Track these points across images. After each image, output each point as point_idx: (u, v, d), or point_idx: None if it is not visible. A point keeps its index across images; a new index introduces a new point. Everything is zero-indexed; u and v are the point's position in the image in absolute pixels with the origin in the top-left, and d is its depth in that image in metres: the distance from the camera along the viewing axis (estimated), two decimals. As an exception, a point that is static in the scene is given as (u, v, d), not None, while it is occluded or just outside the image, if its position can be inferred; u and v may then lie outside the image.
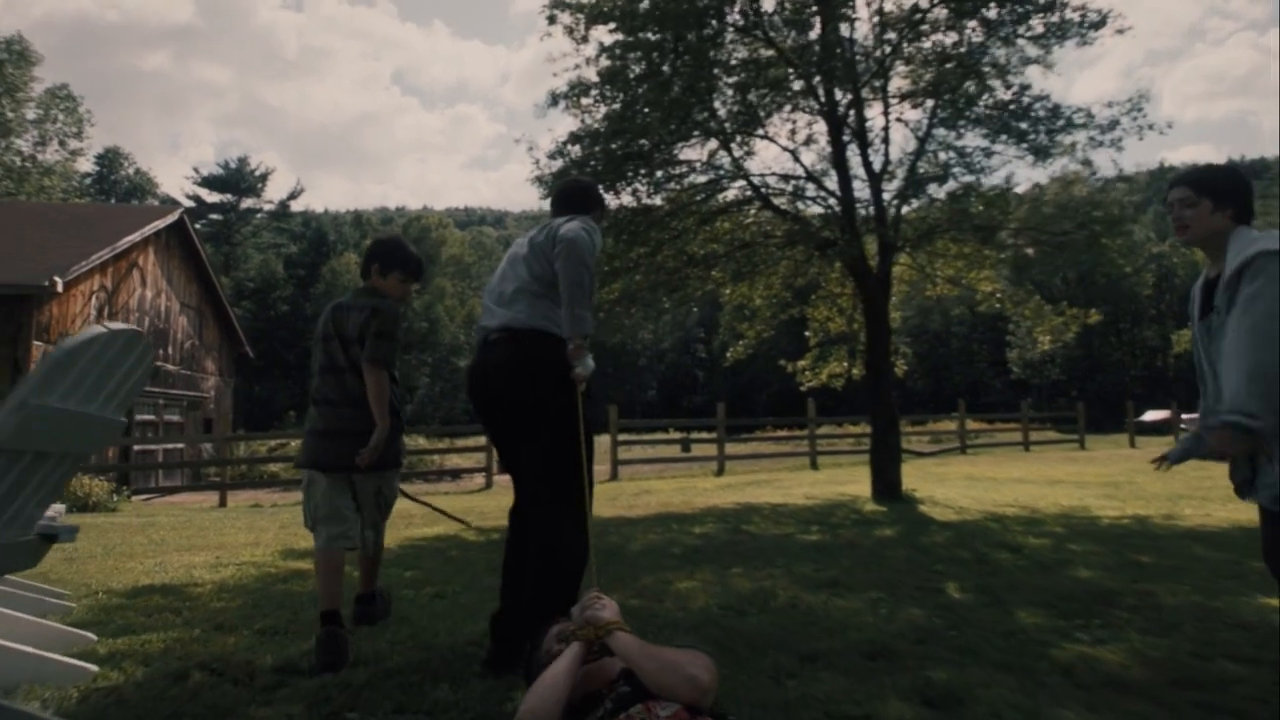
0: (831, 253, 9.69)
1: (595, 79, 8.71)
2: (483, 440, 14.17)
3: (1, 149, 35.12)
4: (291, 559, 5.04)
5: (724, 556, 4.89)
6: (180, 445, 17.93)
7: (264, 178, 63.82)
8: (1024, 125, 7.78)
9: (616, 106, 8.24)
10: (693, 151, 9.12)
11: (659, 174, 8.53)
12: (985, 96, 8.05)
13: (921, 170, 8.55)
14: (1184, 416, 25.04)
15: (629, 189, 8.93)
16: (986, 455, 20.09)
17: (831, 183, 8.96)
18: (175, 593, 4.00)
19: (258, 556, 5.18)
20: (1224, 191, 2.16)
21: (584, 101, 9.04)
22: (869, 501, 8.17)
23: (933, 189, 8.47)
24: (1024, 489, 9.52)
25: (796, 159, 8.60)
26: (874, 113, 9.23)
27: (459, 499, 11.18)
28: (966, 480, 10.97)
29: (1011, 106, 7.92)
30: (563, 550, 2.41)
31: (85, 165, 48.18)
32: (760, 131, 8.58)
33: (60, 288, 12.72)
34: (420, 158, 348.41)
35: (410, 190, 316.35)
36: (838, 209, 8.28)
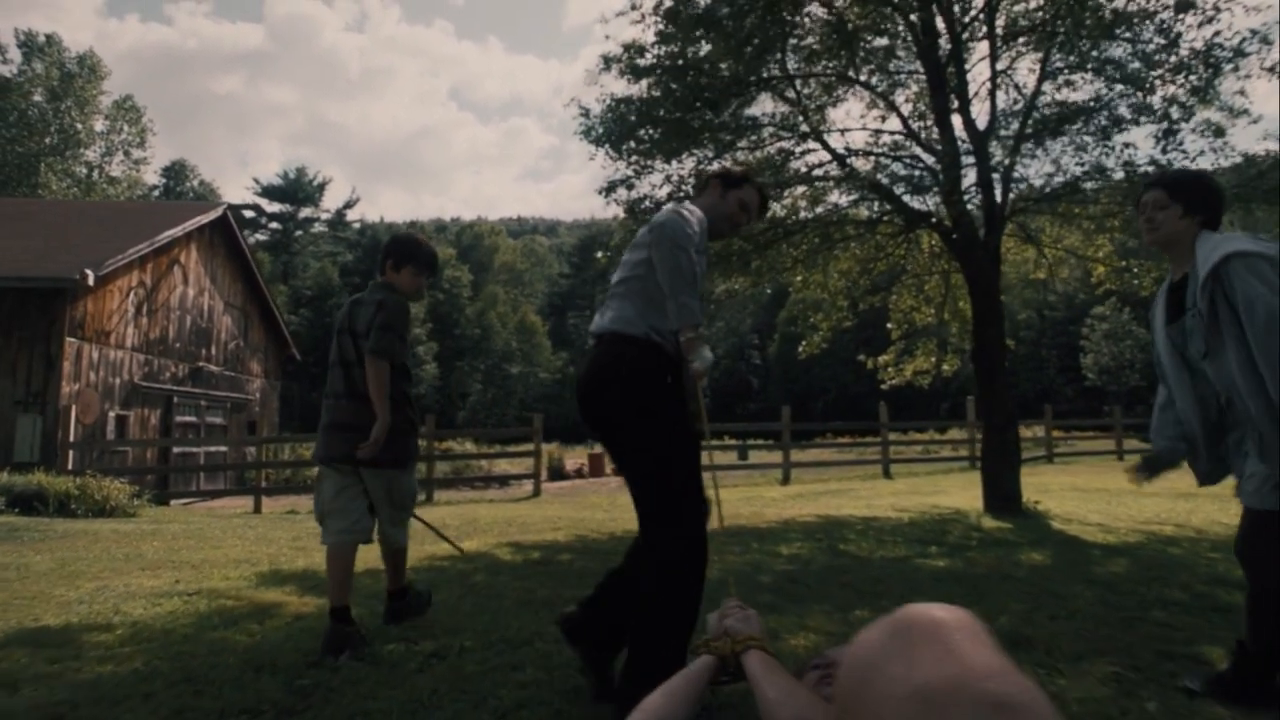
0: (924, 228, 8.38)
1: (653, 38, 7.61)
2: (531, 446, 13.21)
3: (70, 160, 35.95)
4: (266, 587, 3.99)
5: (833, 590, 3.67)
6: (224, 448, 17.41)
7: (321, 187, 64.81)
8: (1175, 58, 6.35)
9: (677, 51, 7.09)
10: (764, 108, 7.93)
11: (726, 136, 7.34)
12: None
13: (1036, 120, 7.17)
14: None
15: (691, 156, 7.79)
16: (1077, 465, 18.22)
17: (919, 148, 7.67)
18: (66, 642, 2.97)
19: (228, 582, 4.15)
20: (1196, 198, 2.20)
21: (640, 63, 7.93)
22: (983, 515, 6.82)
23: (1050, 147, 7.06)
24: (1155, 503, 8.00)
25: (891, 106, 7.28)
26: (976, 59, 7.83)
27: (504, 507, 10.25)
28: (1076, 493, 9.44)
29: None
30: (667, 576, 2.06)
31: (152, 178, 49.61)
32: (850, 74, 7.30)
33: (92, 281, 12.19)
34: (475, 170, 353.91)
35: (465, 202, 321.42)
36: (937, 168, 6.94)
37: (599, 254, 9.55)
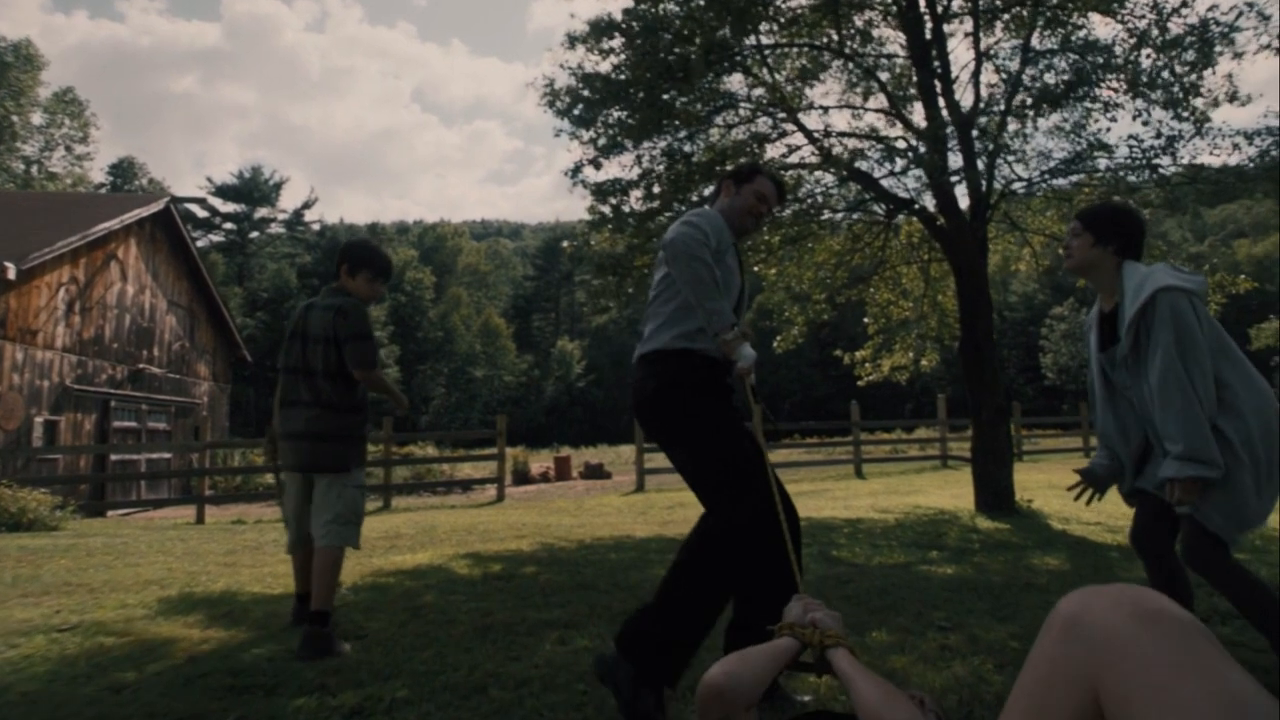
0: (907, 214, 8.01)
1: (621, 16, 7.09)
2: (494, 450, 12.60)
3: (4, 154, 34.22)
4: (166, 616, 3.35)
5: (837, 604, 3.19)
6: (168, 455, 16.43)
7: (278, 187, 62.98)
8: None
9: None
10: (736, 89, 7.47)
11: (701, 109, 6.86)
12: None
13: (1019, 104, 6.82)
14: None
15: (663, 138, 7.30)
16: (1045, 462, 18.16)
17: (903, 126, 7.28)
18: None
19: (121, 611, 3.49)
20: (1108, 229, 2.34)
21: (608, 44, 7.43)
22: (976, 515, 6.43)
23: (1042, 121, 6.72)
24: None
25: (873, 76, 6.87)
26: (958, 41, 7.47)
27: (465, 514, 9.66)
28: (1054, 490, 9.15)
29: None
30: (731, 547, 2.05)
31: (98, 175, 47.61)
32: (835, 46, 6.87)
33: (14, 275, 11.26)
34: (439, 173, 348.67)
35: (429, 205, 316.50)
36: (922, 148, 6.55)
37: (565, 243, 9.02)
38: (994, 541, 5.03)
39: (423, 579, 4.18)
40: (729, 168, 2.62)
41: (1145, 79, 6.26)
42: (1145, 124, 6.26)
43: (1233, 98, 6.53)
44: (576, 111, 6.73)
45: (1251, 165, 5.97)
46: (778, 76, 7.78)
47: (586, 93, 6.64)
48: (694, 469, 2.18)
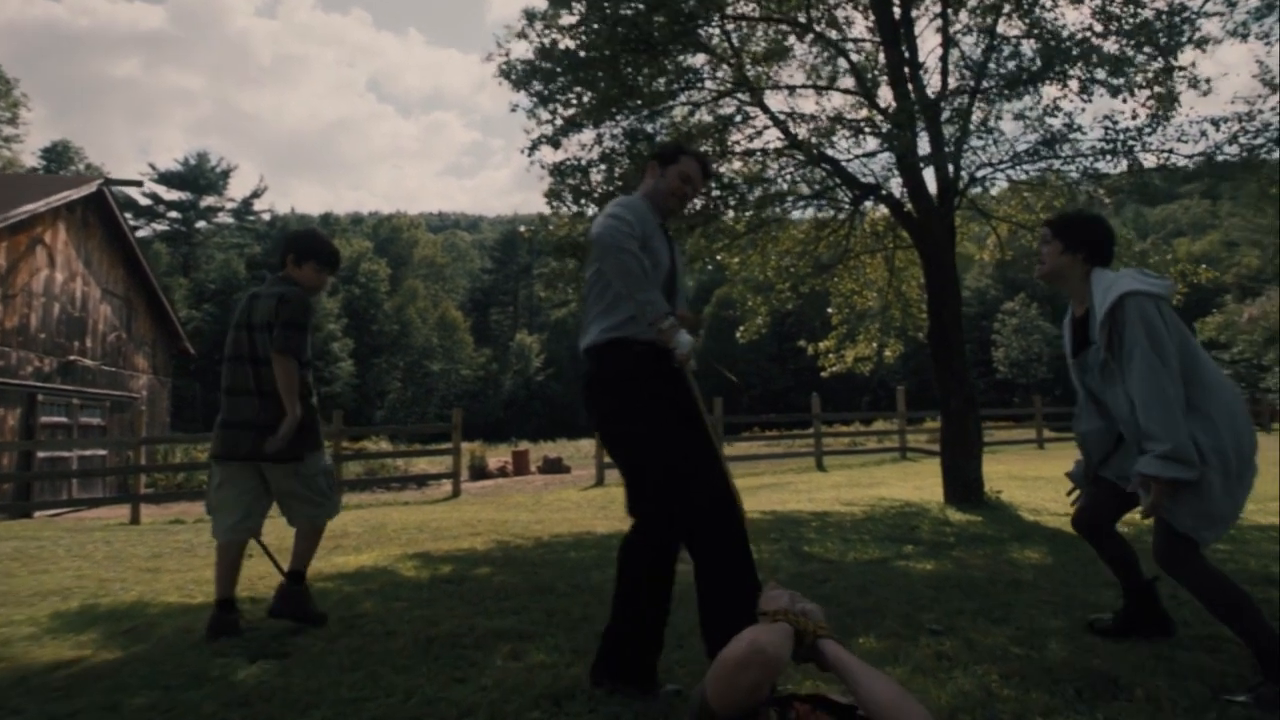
0: (874, 200, 7.85)
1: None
2: (450, 445, 12.17)
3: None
4: (55, 635, 2.92)
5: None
6: (102, 451, 15.58)
7: (225, 175, 60.91)
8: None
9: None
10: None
11: (660, 83, 6.56)
12: None
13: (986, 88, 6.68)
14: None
15: (626, 117, 6.98)
16: (1002, 454, 18.37)
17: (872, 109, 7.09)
18: None
19: (7, 629, 3.05)
20: (1077, 237, 2.43)
21: (566, 20, 7.08)
22: (946, 507, 6.28)
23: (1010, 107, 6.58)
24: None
25: (842, 53, 6.65)
26: (924, 27, 7.30)
27: (419, 510, 9.28)
28: (1016, 481, 9.12)
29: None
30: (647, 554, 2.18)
31: (29, 159, 45.28)
32: (803, 20, 6.63)
33: (-77, 258, 10.44)
34: (396, 164, 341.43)
35: (385, 196, 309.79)
36: (891, 131, 6.35)
37: (522, 228, 8.65)
38: (969, 534, 4.86)
39: (364, 583, 3.82)
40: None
41: (1110, 65, 6.16)
42: (1121, 105, 6.15)
43: (1194, 84, 6.48)
44: (535, 86, 6.37)
45: (1220, 154, 5.90)
46: (744, 57, 7.53)
47: (547, 65, 6.29)
48: (631, 470, 2.21)
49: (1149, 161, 6.11)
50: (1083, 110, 7.30)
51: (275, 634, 2.79)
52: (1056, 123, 6.10)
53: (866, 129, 6.40)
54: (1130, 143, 5.69)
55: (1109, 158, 5.90)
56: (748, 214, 8.02)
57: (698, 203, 7.65)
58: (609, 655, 2.16)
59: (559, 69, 6.56)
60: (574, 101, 6.79)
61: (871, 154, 6.82)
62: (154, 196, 57.85)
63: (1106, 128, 5.80)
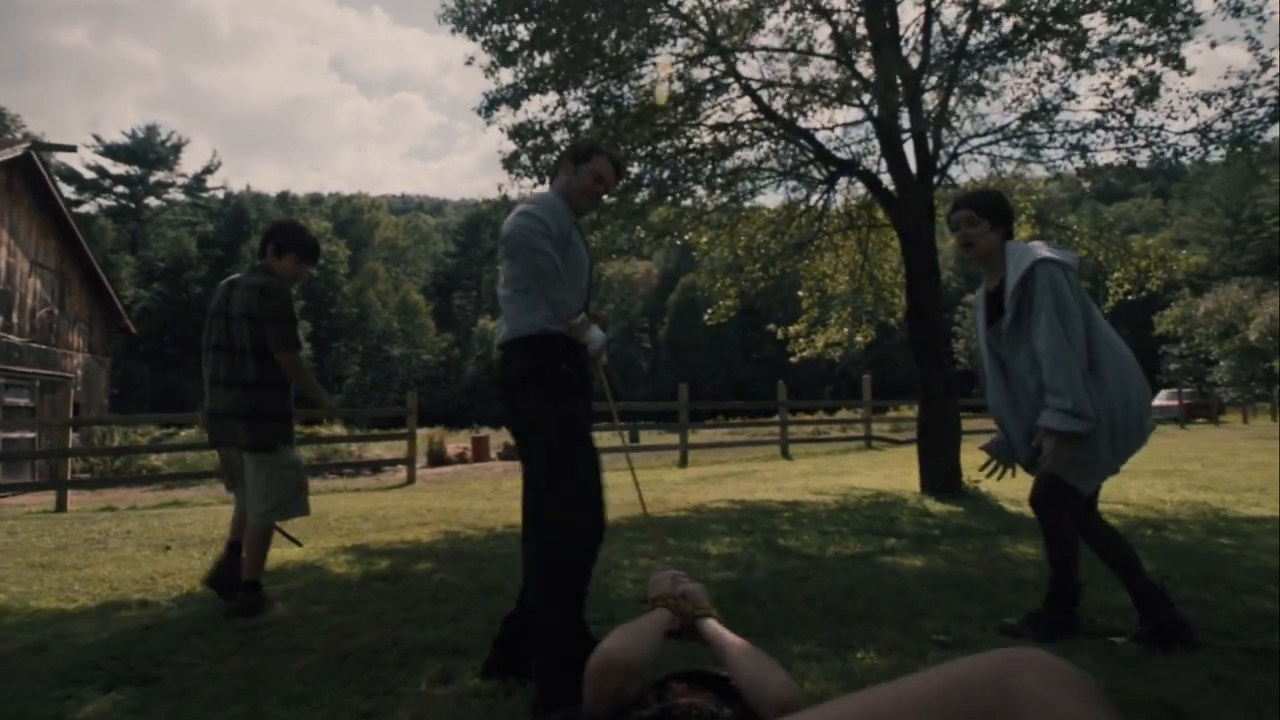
0: (849, 176, 7.53)
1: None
2: (404, 430, 11.61)
3: None
4: None
5: (800, 609, 2.59)
6: (30, 434, 14.66)
7: (176, 149, 58.75)
8: None
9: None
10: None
11: (628, 45, 6.09)
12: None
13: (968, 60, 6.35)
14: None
15: (595, 81, 6.51)
16: (966, 443, 18.31)
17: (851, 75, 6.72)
18: None
19: None
20: (1000, 213, 2.52)
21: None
22: (924, 497, 5.99)
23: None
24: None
25: (824, 15, 6.26)
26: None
27: (368, 498, 8.79)
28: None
29: None
30: (560, 554, 2.09)
31: (-38, 126, 42.88)
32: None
33: None
34: (359, 146, 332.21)
35: (346, 178, 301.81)
36: (876, 87, 5.99)
37: (482, 200, 8.12)
38: (952, 526, 4.54)
39: (284, 582, 3.35)
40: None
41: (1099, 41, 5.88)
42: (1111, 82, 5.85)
43: (1178, 64, 6.24)
44: (492, 29, 5.82)
45: (1211, 132, 5.64)
46: (713, 18, 7.10)
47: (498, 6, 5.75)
48: (532, 470, 2.21)
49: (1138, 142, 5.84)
50: (1077, 78, 7.06)
51: (153, 651, 2.30)
52: (1049, 90, 5.79)
53: (849, 94, 6.01)
54: (1126, 111, 5.41)
55: (1099, 132, 5.62)
56: (715, 192, 7.64)
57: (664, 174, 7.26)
58: (507, 644, 2.13)
59: (519, 14, 6.04)
60: (534, 62, 6.30)
61: (854, 123, 6.46)
62: (99, 170, 55.55)
63: (1102, 96, 5.50)
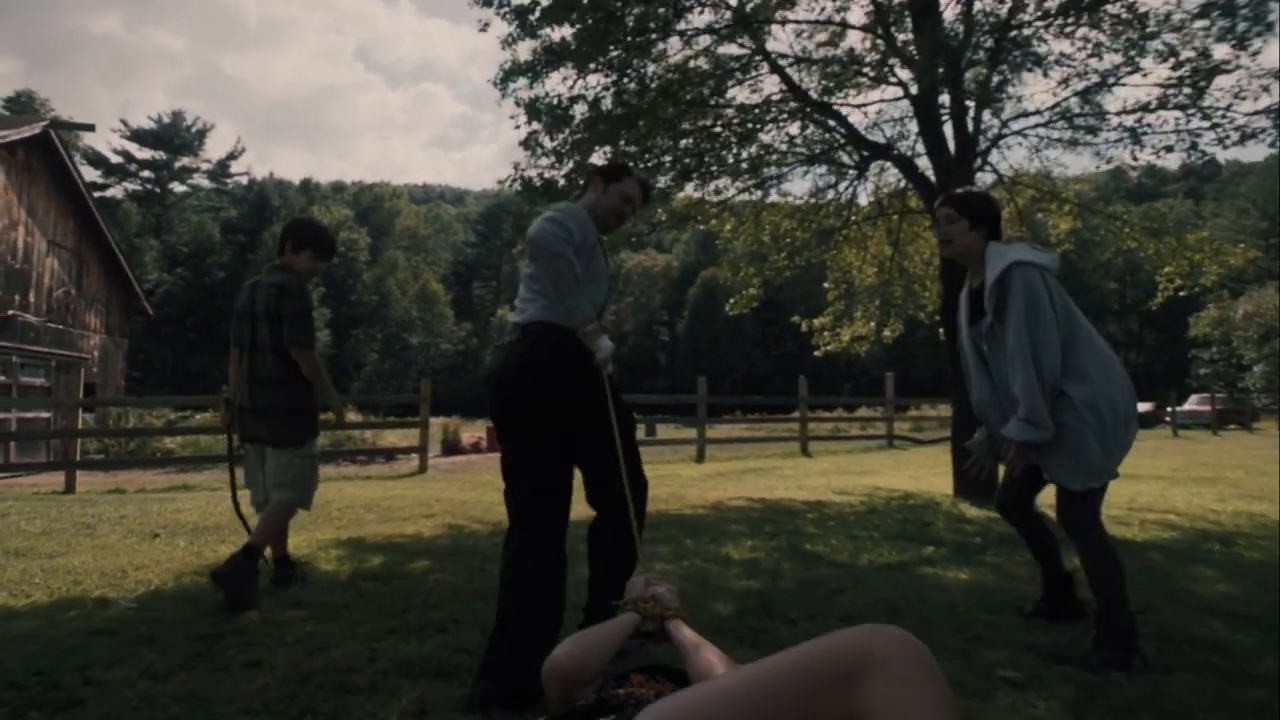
0: (882, 160, 7.15)
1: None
2: (417, 418, 11.41)
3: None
4: None
5: (832, 627, 2.19)
6: (46, 414, 14.62)
7: (201, 135, 59.05)
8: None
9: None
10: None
11: (655, 19, 5.74)
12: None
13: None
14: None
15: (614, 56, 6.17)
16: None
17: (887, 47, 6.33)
18: None
19: None
20: (980, 213, 2.51)
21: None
22: (958, 501, 5.63)
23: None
24: (1117, 487, 7.13)
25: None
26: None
27: (378, 486, 8.60)
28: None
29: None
30: (520, 579, 2.10)
31: (-10, 108, 43.33)
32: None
33: None
34: (382, 135, 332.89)
35: (370, 167, 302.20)
36: (919, 61, 5.60)
37: (498, 181, 7.83)
38: (994, 534, 4.18)
39: (264, 578, 3.06)
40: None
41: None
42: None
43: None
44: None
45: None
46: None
47: None
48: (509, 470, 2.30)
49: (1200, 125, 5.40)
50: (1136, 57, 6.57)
51: (89, 663, 2.00)
52: (1101, 65, 5.35)
53: (886, 69, 5.62)
54: (1201, 84, 4.96)
55: (1157, 112, 5.19)
56: (740, 180, 7.28)
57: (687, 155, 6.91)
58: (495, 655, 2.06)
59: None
60: (554, 35, 5.98)
61: (891, 100, 6.07)
62: (125, 154, 55.95)
63: (1174, 65, 5.04)
